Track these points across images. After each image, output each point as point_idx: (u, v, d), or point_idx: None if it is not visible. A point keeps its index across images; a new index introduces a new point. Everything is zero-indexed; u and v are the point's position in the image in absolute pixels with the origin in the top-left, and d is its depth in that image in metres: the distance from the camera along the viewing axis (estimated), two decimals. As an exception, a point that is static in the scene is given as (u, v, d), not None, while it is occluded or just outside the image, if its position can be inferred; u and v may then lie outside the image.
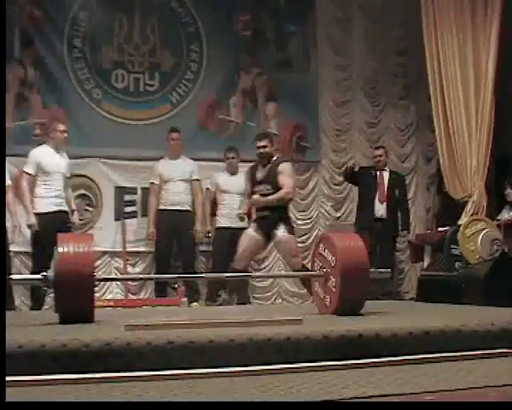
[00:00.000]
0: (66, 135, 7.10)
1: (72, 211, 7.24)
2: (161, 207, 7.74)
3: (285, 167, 6.73)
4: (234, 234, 7.32)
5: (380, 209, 7.85)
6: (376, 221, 7.79)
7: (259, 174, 6.76)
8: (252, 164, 6.98)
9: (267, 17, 8.78)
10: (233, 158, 7.91)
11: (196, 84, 8.50)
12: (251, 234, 6.69)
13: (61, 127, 7.08)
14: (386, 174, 8.03)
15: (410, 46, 9.06)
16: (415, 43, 8.56)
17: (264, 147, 6.75)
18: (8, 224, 6.74)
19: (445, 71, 7.41)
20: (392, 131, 9.24)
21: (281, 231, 6.56)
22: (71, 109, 8.07)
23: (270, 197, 6.58)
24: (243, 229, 7.28)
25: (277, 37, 8.81)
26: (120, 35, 8.36)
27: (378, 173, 8.03)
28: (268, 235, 6.64)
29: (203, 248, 8.11)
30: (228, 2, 8.64)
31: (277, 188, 6.61)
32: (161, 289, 7.75)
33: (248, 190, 6.94)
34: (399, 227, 7.97)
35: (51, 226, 6.44)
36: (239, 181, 7.69)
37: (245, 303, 7.56)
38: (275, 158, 6.81)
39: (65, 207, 7.09)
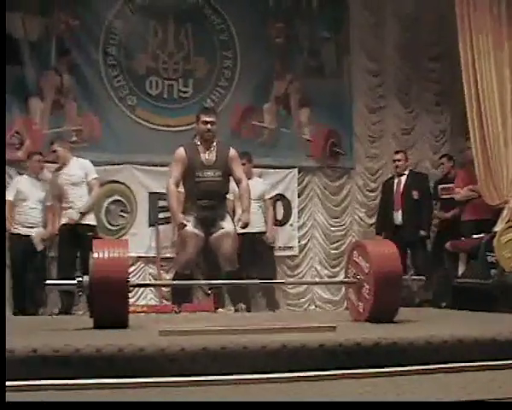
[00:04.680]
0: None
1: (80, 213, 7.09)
2: None
3: (235, 154, 5.99)
4: (249, 239, 7.28)
5: (397, 217, 7.85)
6: (396, 228, 7.77)
7: (204, 157, 5.87)
8: (188, 142, 6.17)
9: (300, 24, 8.76)
10: (245, 164, 7.80)
11: (230, 90, 8.51)
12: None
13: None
14: (403, 179, 7.99)
15: (443, 52, 8.99)
16: (448, 48, 8.49)
17: (213, 124, 5.91)
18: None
19: (481, 75, 7.30)
20: (425, 138, 9.17)
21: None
22: (105, 116, 8.13)
23: (247, 203, 5.95)
24: (259, 234, 7.27)
25: (310, 43, 8.78)
26: (154, 42, 8.40)
27: (397, 180, 8.02)
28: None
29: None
30: (261, 9, 8.64)
31: (227, 176, 5.93)
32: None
33: (178, 175, 5.88)
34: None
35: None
36: (253, 186, 7.66)
37: (274, 309, 7.55)
38: (217, 140, 6.00)
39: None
